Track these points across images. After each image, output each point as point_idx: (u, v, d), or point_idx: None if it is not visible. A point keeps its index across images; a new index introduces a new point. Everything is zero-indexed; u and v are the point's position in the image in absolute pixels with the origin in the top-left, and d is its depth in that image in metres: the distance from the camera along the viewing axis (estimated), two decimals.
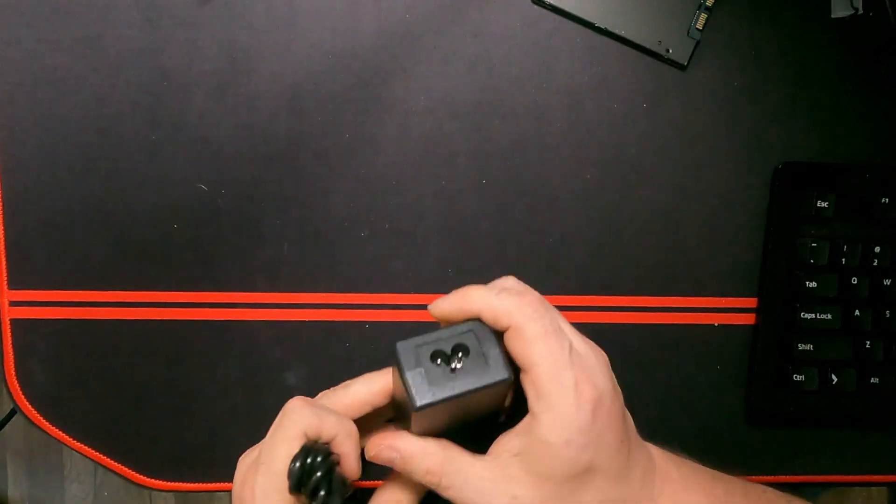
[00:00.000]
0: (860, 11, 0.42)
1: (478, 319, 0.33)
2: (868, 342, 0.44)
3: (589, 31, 0.43)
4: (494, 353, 0.32)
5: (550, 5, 0.42)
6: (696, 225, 0.45)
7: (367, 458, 0.35)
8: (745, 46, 0.44)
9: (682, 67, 0.43)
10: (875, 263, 0.43)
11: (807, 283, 0.44)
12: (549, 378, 0.31)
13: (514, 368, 0.32)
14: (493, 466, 0.32)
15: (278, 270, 0.43)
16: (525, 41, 0.43)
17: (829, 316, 0.44)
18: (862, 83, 0.44)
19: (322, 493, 0.33)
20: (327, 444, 0.36)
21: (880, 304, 0.44)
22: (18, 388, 0.43)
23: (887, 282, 0.44)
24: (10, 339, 0.43)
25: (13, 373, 0.43)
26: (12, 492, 1.32)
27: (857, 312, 0.44)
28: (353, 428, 0.36)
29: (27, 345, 0.43)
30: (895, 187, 0.44)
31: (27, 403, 0.44)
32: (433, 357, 0.32)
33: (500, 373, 0.32)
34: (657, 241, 0.45)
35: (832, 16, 0.43)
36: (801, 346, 0.44)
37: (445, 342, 0.32)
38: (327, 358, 0.44)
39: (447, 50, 0.43)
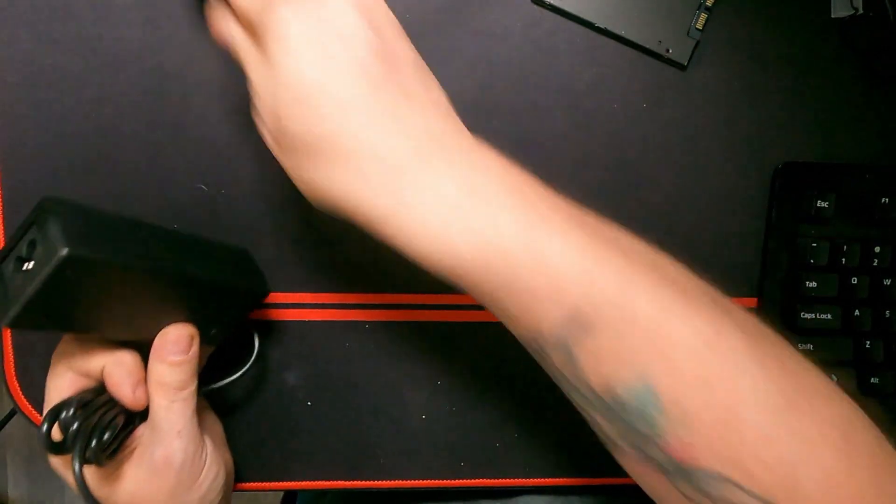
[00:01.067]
0: (860, 11, 0.42)
1: (45, 199, 0.31)
2: (868, 342, 0.44)
3: (589, 31, 0.43)
4: (53, 232, 0.29)
5: (550, 5, 0.42)
6: (696, 225, 0.45)
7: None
8: (745, 46, 0.44)
9: (682, 67, 0.43)
10: (875, 263, 0.43)
11: (807, 283, 0.44)
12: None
13: (75, 240, 0.29)
14: None
15: (278, 270, 0.43)
16: (525, 41, 0.43)
17: (829, 316, 0.44)
18: (862, 83, 0.44)
19: (78, 445, 0.32)
20: (85, 391, 0.35)
21: (880, 304, 0.44)
22: (18, 388, 0.43)
23: (887, 282, 0.44)
24: (10, 339, 0.43)
25: (13, 373, 0.43)
26: (12, 492, 1.32)
27: (857, 312, 0.44)
28: (125, 356, 0.36)
29: (27, 345, 0.43)
30: (895, 187, 0.44)
31: (27, 403, 0.44)
32: (16, 266, 0.30)
33: (57, 250, 0.29)
34: (657, 241, 0.44)
35: (832, 16, 0.43)
36: (801, 347, 0.44)
37: (20, 245, 0.30)
38: (327, 358, 0.44)
39: (447, 50, 0.43)
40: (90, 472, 0.35)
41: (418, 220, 0.28)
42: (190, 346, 0.37)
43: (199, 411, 0.38)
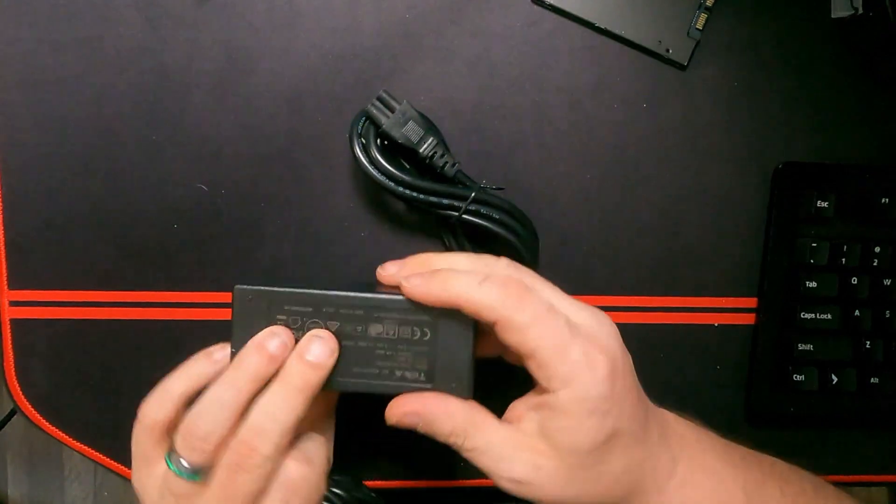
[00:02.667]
0: (860, 11, 0.42)
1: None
2: (868, 342, 0.44)
3: (589, 31, 0.43)
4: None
5: (550, 5, 0.42)
6: (696, 225, 0.45)
7: (387, 423, 0.34)
8: (745, 46, 0.44)
9: (682, 67, 0.43)
10: (875, 263, 0.43)
11: (807, 283, 0.44)
12: (556, 359, 0.30)
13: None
14: (515, 434, 0.32)
15: (278, 270, 0.43)
16: (525, 41, 0.43)
17: (829, 316, 0.44)
18: (862, 83, 0.44)
19: None
20: None
21: (880, 304, 0.44)
22: (18, 388, 0.43)
23: (887, 282, 0.44)
24: (10, 339, 0.43)
25: (13, 373, 0.43)
26: (12, 492, 1.32)
27: (857, 312, 0.44)
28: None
29: (27, 345, 0.43)
30: (895, 187, 0.44)
31: (27, 403, 0.44)
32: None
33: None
34: (657, 241, 0.45)
35: (832, 16, 0.43)
36: (801, 346, 0.44)
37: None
38: None
39: (447, 50, 0.43)
40: None
41: None
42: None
43: None
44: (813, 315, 0.44)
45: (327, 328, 0.33)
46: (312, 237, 0.43)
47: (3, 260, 0.42)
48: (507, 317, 0.30)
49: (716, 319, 0.45)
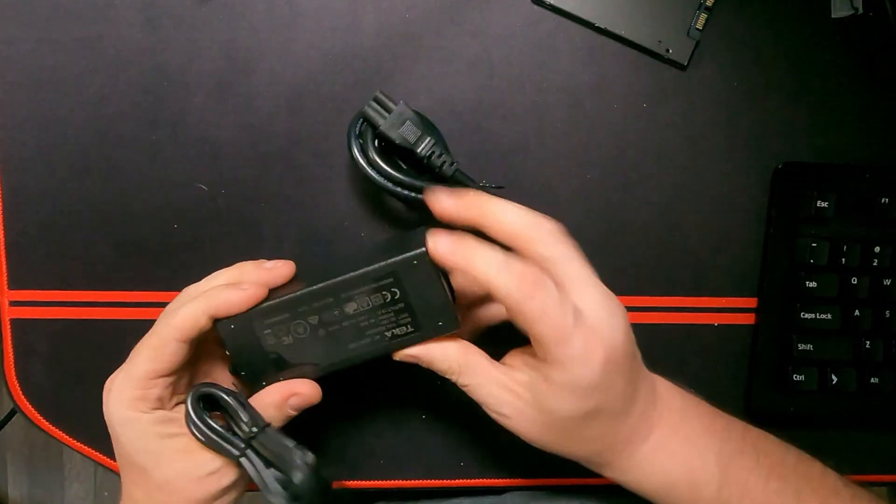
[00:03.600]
0: (860, 11, 0.42)
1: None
2: (868, 342, 0.44)
3: (589, 31, 0.43)
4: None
5: (550, 5, 0.42)
6: (696, 225, 0.45)
7: (395, 359, 0.37)
8: (745, 46, 0.44)
9: (682, 67, 0.43)
10: (875, 263, 0.43)
11: (807, 283, 0.44)
12: (555, 347, 0.32)
13: None
14: (506, 378, 0.35)
15: None
16: (525, 41, 0.43)
17: (829, 316, 0.44)
18: (862, 83, 0.44)
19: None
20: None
21: (880, 304, 0.44)
22: (18, 388, 0.43)
23: (887, 282, 0.44)
24: (10, 339, 0.43)
25: (13, 373, 0.43)
26: (12, 492, 1.32)
27: (857, 312, 0.44)
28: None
29: (27, 345, 0.43)
30: (895, 187, 0.44)
31: (27, 403, 0.44)
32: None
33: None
34: (657, 241, 0.45)
35: (832, 16, 0.43)
36: (801, 346, 0.44)
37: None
38: None
39: (447, 50, 0.43)
40: None
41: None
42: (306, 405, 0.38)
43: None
44: (813, 315, 0.44)
45: (309, 324, 0.35)
46: (312, 237, 0.43)
47: (3, 260, 0.42)
48: (516, 304, 0.32)
49: (716, 319, 0.45)
